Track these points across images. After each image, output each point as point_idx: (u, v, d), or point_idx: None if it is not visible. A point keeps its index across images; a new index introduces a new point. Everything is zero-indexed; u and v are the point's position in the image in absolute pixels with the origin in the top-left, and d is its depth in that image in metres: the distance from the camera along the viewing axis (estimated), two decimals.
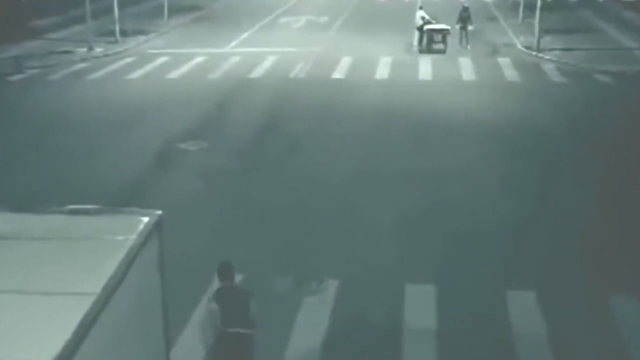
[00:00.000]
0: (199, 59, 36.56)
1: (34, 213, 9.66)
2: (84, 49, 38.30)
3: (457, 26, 38.02)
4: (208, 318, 10.73)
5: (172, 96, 29.54)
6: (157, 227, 9.63)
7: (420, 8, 38.77)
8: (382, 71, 33.78)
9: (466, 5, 38.45)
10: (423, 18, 38.31)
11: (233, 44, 41.17)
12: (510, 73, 33.14)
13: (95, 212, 9.84)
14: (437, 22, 38.38)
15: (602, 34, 42.03)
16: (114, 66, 35.44)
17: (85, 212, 9.78)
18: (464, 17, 37.95)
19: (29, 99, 29.55)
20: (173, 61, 36.13)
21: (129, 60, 36.81)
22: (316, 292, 14.56)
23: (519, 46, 38.70)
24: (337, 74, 33.24)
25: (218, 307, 10.60)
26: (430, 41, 37.73)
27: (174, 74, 33.50)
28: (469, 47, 37.63)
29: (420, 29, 38.33)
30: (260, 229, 17.27)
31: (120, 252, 8.57)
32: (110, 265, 8.23)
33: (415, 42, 38.73)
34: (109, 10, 41.18)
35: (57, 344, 6.80)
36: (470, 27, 38.02)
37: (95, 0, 41.16)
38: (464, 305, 14.03)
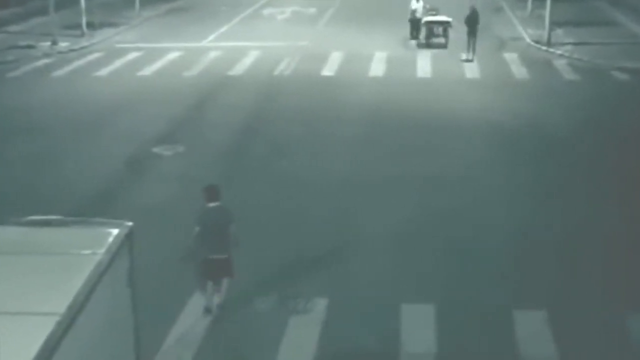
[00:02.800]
0: (173, 55, 36.59)
1: None
2: (48, 43, 38.28)
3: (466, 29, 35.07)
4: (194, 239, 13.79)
5: (144, 95, 29.56)
6: (127, 240, 9.66)
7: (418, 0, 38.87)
8: (377, 68, 33.89)
9: (474, 5, 35.49)
10: (414, 12, 38.53)
11: (211, 37, 41.25)
12: (518, 70, 33.31)
13: (60, 224, 9.87)
14: (438, 14, 38.56)
15: (618, 27, 42.28)
16: (81, 62, 35.44)
17: (49, 224, 9.80)
18: (473, 20, 34.79)
19: None
20: (145, 57, 36.16)
21: (96, 55, 36.81)
22: (303, 312, 14.57)
23: (528, 40, 38.94)
24: (327, 71, 33.33)
25: (198, 230, 13.67)
26: (430, 35, 37.86)
27: (146, 71, 33.53)
28: (474, 57, 34.64)
29: (411, 21, 38.62)
30: (241, 241, 17.24)
31: (87, 267, 8.59)
32: (76, 282, 8.25)
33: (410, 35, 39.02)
34: (74, 0, 41.17)
35: None
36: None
37: None
38: (466, 326, 14.06)
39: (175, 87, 30.69)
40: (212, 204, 13.88)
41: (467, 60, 34.55)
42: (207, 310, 14.20)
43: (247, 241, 17.28)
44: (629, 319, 14.20)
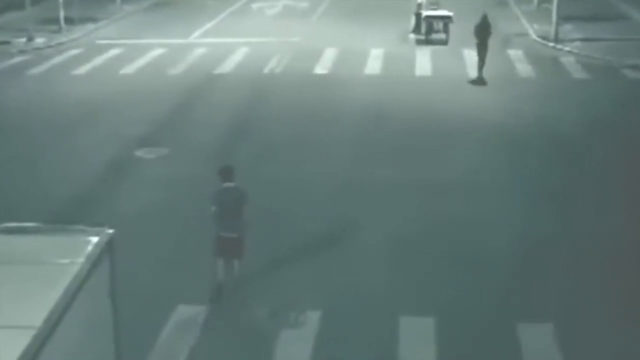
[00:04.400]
0: (157, 51, 36.60)
1: None
2: (23, 39, 38.30)
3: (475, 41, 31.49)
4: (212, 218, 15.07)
5: (126, 95, 29.55)
6: (108, 248, 9.68)
7: None
8: (373, 65, 33.94)
9: (485, 12, 32.14)
10: (419, 5, 38.69)
11: (197, 33, 41.26)
12: (524, 68, 33.37)
13: (36, 232, 9.87)
14: (438, 8, 38.63)
15: (630, 22, 42.36)
16: (58, 59, 35.44)
17: (24, 232, 9.81)
18: (484, 30, 31.22)
19: None
20: (127, 54, 36.17)
21: (75, 52, 36.81)
22: (295, 325, 14.60)
23: (534, 36, 39.01)
24: (320, 69, 33.38)
25: (215, 210, 14.98)
26: (430, 30, 37.85)
27: (128, 69, 33.54)
28: (483, 72, 31.21)
29: (417, 15, 38.74)
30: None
31: (66, 277, 8.60)
32: (53, 293, 8.26)
33: (411, 28, 39.06)
34: None
35: None
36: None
37: None
38: (468, 340, 14.09)
39: (158, 86, 30.70)
40: (227, 184, 15.10)
41: (478, 82, 31.07)
42: (216, 289, 15.16)
43: None
44: (637, 332, 14.23)
